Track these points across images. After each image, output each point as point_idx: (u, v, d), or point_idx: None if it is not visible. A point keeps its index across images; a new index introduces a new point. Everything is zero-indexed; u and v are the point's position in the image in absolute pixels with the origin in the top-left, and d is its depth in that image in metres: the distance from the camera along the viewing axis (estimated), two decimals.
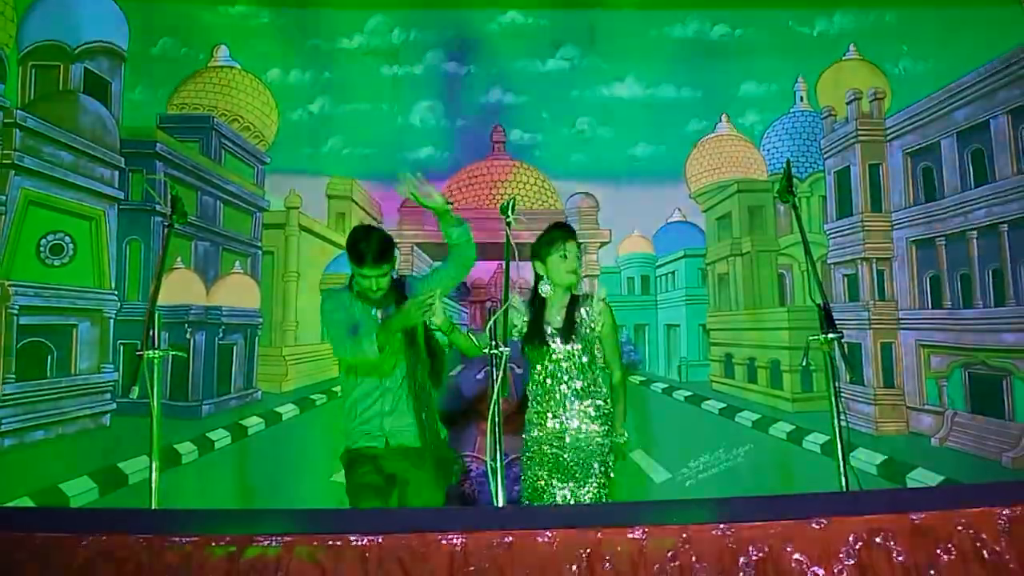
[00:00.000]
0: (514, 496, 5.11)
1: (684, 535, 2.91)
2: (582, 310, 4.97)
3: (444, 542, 2.89)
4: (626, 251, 8.28)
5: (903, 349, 7.95)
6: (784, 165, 4.75)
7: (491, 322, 4.14)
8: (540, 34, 8.09)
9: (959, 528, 2.93)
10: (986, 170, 7.64)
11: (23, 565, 2.93)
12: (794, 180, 4.73)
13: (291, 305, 8.15)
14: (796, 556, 2.88)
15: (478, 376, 6.05)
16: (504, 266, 4.41)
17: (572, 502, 4.84)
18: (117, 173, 7.67)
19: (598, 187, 8.20)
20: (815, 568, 2.87)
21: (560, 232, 4.97)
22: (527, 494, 4.96)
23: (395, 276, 5.06)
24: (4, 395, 6.89)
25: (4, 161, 7.04)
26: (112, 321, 7.53)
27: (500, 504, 3.99)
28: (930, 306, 7.95)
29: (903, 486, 7.26)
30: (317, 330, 7.60)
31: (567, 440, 4.88)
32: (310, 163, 7.98)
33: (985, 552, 2.90)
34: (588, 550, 2.88)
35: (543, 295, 4.96)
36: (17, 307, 7.01)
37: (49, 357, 7.24)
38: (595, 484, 4.88)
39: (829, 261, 8.27)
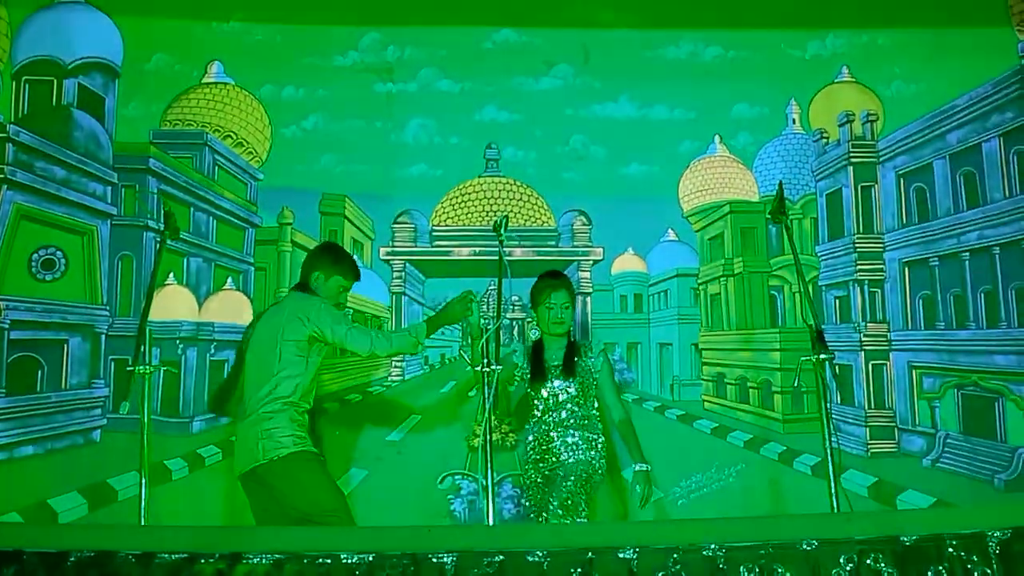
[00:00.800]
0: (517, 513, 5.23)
1: (675, 555, 2.91)
2: (582, 353, 5.14)
3: (435, 560, 2.89)
4: (619, 269, 8.27)
5: (895, 370, 7.96)
6: (776, 187, 4.77)
7: (483, 340, 4.15)
8: (534, 53, 8.11)
9: (950, 550, 2.94)
10: (978, 192, 7.67)
11: None
12: (786, 202, 4.75)
13: None
14: None
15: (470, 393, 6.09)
16: (497, 283, 4.42)
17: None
18: (110, 188, 7.66)
19: (591, 205, 8.20)
20: None
21: (545, 283, 5.14)
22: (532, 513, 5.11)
23: None
24: None
25: None
26: (103, 336, 7.51)
27: (491, 522, 3.99)
28: (922, 327, 7.96)
29: (894, 508, 7.25)
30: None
31: (562, 470, 4.95)
32: (303, 180, 7.97)
33: (976, 574, 2.90)
34: (579, 569, 2.87)
35: (532, 339, 5.19)
36: (8, 322, 6.99)
37: (39, 372, 7.21)
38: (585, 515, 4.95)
39: (821, 283, 8.28)
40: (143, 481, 4.43)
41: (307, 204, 8.01)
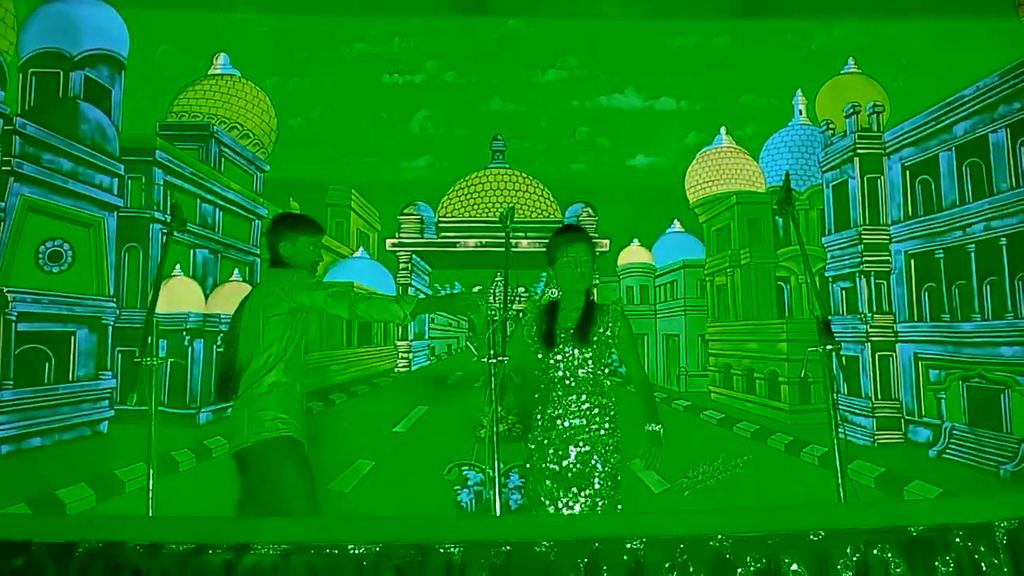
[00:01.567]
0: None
1: (682, 545, 2.91)
2: (598, 316, 4.94)
3: (442, 550, 2.89)
4: (625, 261, 8.28)
5: (901, 361, 7.95)
6: (783, 177, 4.76)
7: (490, 331, 4.15)
8: (540, 44, 8.10)
9: (956, 541, 2.93)
10: (985, 184, 7.65)
11: (20, 572, 2.93)
12: (793, 193, 4.74)
13: None
14: (794, 567, 2.89)
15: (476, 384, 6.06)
16: (504, 274, 4.42)
17: (575, 509, 4.82)
18: (116, 180, 7.67)
19: (597, 197, 8.20)
20: None
21: (564, 237, 4.86)
22: (527, 501, 4.94)
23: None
24: (2, 401, 6.89)
25: (4, 168, 7.05)
26: (110, 328, 7.53)
27: (498, 512, 3.99)
28: (928, 319, 7.96)
29: (900, 498, 7.25)
30: (314, 337, 7.61)
31: (571, 443, 4.85)
32: (309, 171, 7.97)
33: (983, 565, 2.90)
34: (586, 560, 2.88)
35: (551, 298, 4.93)
36: (15, 313, 7.00)
37: (47, 364, 7.23)
38: (599, 487, 4.83)
39: (827, 274, 8.27)
40: (150, 472, 4.44)
41: (313, 195, 8.02)
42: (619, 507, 4.85)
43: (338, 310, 4.88)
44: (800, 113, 8.42)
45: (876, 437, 7.74)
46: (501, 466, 4.16)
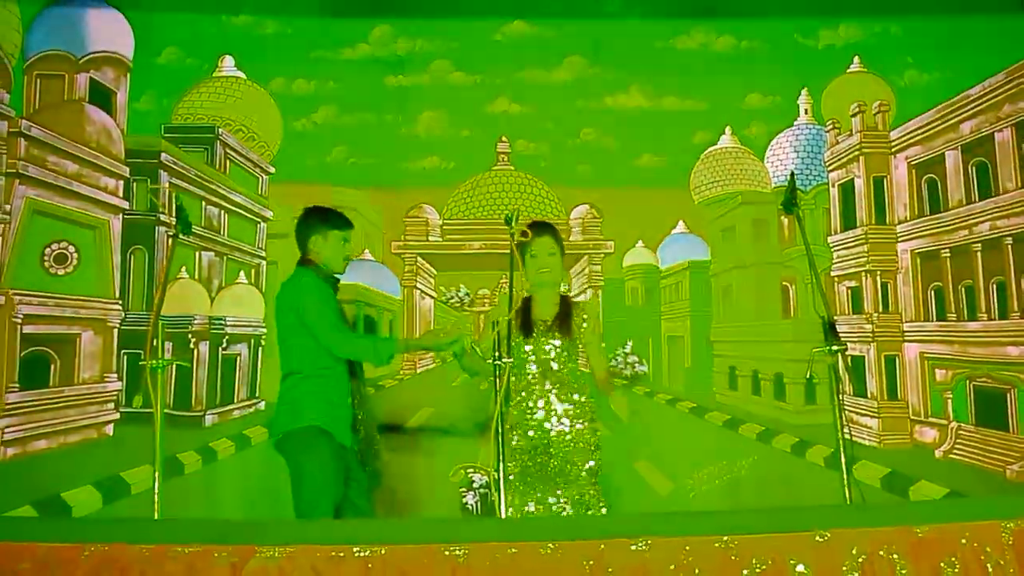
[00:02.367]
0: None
1: (687, 547, 2.91)
2: (573, 311, 4.96)
3: (447, 553, 2.89)
4: (630, 262, 8.27)
5: (907, 362, 7.94)
6: (788, 177, 4.75)
7: (495, 333, 4.14)
8: (545, 44, 8.10)
9: (963, 541, 2.93)
10: (991, 183, 7.65)
11: (26, 575, 2.94)
12: (798, 192, 4.74)
13: None
14: (799, 569, 2.88)
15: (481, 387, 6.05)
16: (508, 277, 4.41)
17: (551, 509, 4.82)
18: (122, 183, 7.69)
19: (602, 198, 8.19)
20: None
21: (530, 230, 4.83)
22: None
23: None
24: (8, 404, 6.90)
25: (9, 170, 7.06)
26: (116, 331, 7.54)
27: (503, 514, 3.98)
28: (934, 318, 7.95)
29: (907, 499, 7.25)
30: None
31: (548, 439, 4.85)
32: (314, 173, 7.97)
33: (989, 566, 2.90)
34: (591, 561, 2.87)
35: (524, 293, 4.93)
36: (21, 316, 7.02)
37: (52, 366, 7.24)
38: (578, 487, 4.83)
39: (833, 273, 8.26)
40: (156, 475, 4.44)
41: (319, 197, 8.01)
42: (603, 509, 4.86)
43: (321, 337, 4.88)
44: (805, 112, 8.40)
45: (882, 437, 7.74)
46: (507, 468, 4.15)
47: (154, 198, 7.71)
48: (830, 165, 8.49)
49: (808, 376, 4.63)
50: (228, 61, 8.15)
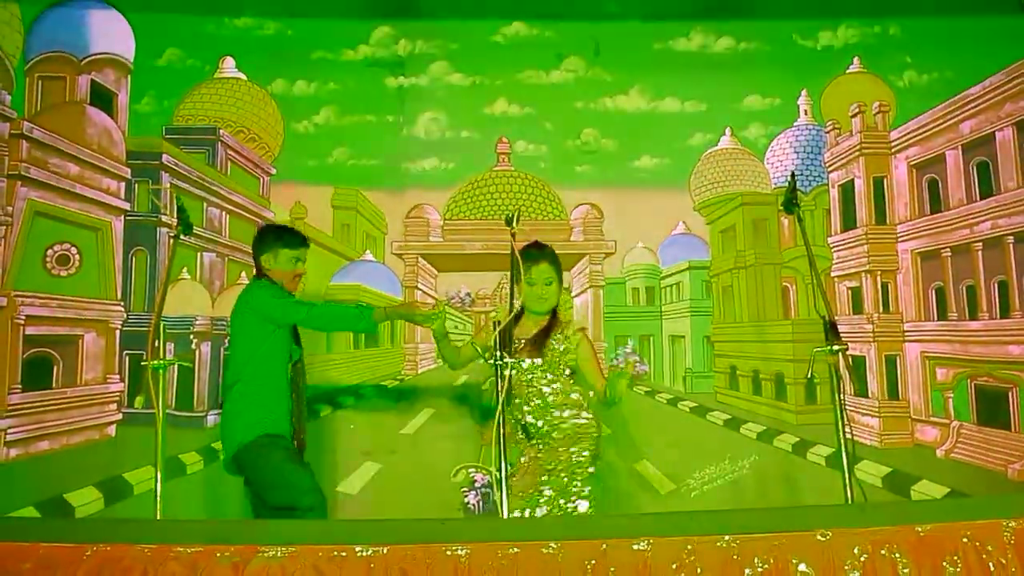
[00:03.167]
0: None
1: (689, 547, 2.92)
2: (558, 334, 4.97)
3: (449, 553, 2.90)
4: (631, 262, 8.27)
5: (908, 361, 7.95)
6: (788, 178, 4.76)
7: (496, 333, 4.15)
8: (545, 45, 8.10)
9: (964, 540, 2.94)
10: (991, 182, 7.65)
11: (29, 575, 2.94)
12: (798, 193, 4.74)
13: None
14: (801, 568, 2.89)
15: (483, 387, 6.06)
16: (509, 277, 4.42)
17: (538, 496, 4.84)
18: (123, 184, 7.69)
19: (602, 198, 8.19)
20: None
21: (528, 256, 4.84)
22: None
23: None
24: (10, 405, 6.91)
25: (10, 172, 7.08)
26: (118, 332, 7.54)
27: (505, 514, 3.99)
28: (935, 318, 7.95)
29: (908, 498, 7.25)
30: (322, 341, 7.62)
31: (531, 431, 4.88)
32: (315, 174, 7.98)
33: (991, 564, 2.90)
34: (593, 561, 2.88)
35: (516, 310, 4.92)
36: (23, 317, 7.03)
37: (55, 367, 7.25)
38: (567, 475, 4.84)
39: (833, 274, 8.26)
40: (158, 475, 4.45)
41: (319, 198, 8.03)
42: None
43: (295, 318, 4.96)
44: (805, 113, 8.40)
45: (883, 437, 7.74)
46: (508, 468, 4.15)
47: (155, 199, 7.71)
48: (830, 166, 8.49)
49: (809, 376, 4.64)
50: (229, 62, 8.15)
